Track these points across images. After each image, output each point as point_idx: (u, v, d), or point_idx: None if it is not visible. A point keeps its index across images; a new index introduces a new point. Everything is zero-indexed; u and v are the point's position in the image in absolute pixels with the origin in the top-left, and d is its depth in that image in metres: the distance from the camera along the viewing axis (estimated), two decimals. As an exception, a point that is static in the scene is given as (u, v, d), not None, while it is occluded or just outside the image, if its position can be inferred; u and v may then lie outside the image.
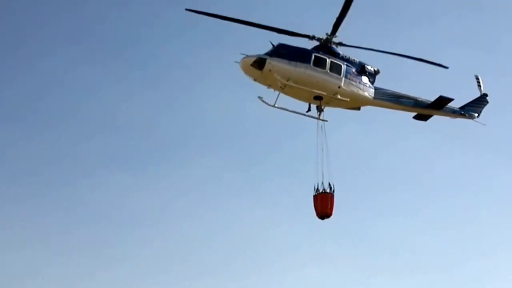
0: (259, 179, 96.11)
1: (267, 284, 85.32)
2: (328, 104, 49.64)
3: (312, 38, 49.25)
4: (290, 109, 48.88)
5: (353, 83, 49.44)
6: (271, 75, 47.36)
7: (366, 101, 50.50)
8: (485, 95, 54.53)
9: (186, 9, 47.17)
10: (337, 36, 49.37)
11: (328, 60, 48.62)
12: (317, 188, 47.65)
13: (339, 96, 48.73)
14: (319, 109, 49.65)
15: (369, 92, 50.26)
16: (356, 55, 50.71)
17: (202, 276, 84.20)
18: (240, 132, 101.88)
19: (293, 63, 47.68)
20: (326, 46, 49.58)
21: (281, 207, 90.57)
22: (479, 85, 54.97)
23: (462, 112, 53.55)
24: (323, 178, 47.79)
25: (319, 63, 48.36)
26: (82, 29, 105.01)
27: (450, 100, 51.89)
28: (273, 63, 47.25)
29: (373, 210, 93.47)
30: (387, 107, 51.69)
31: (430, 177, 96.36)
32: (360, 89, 49.76)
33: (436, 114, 53.07)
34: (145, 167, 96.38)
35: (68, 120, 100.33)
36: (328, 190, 47.57)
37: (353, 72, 49.65)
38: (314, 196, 47.56)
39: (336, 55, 49.50)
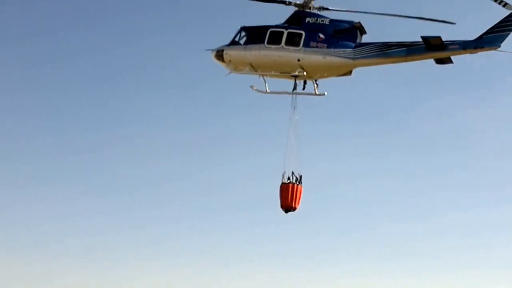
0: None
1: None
2: (311, 77, 44.79)
3: (288, 3, 44.92)
4: (282, 90, 45.73)
5: (318, 49, 43.40)
6: (232, 64, 45.41)
7: (343, 65, 43.57)
8: (515, 11, 40.92)
9: None
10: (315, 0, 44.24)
11: (284, 33, 43.89)
12: (288, 177, 43.70)
13: (296, 73, 43.71)
14: (295, 87, 45.12)
15: (345, 54, 43.32)
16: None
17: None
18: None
19: (248, 47, 44.78)
20: (299, 12, 44.68)
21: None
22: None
23: (478, 46, 41.52)
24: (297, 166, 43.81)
25: (274, 38, 44.08)
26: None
27: (435, 38, 41.20)
28: (229, 53, 45.28)
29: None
30: (376, 64, 43.57)
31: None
32: (329, 54, 43.32)
33: (446, 56, 42.55)
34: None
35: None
36: (295, 180, 43.41)
37: (319, 37, 43.50)
38: (280, 186, 43.49)
39: (301, 22, 44.16)
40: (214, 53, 45.76)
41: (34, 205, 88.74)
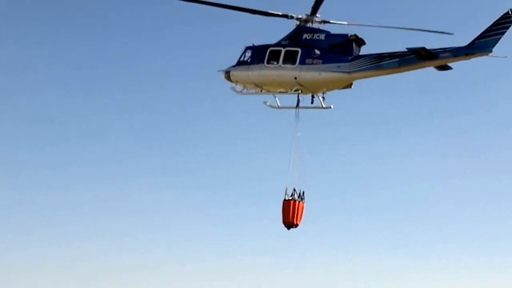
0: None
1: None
2: (313, 92, 45.07)
3: (290, 17, 45.20)
4: (292, 106, 45.97)
5: (313, 66, 43.45)
6: (240, 84, 46.55)
7: (339, 80, 43.35)
8: (508, 13, 39.00)
9: None
10: (318, 16, 44.28)
11: (282, 51, 44.33)
12: (291, 193, 43.89)
13: (293, 91, 44.09)
14: (298, 102, 45.37)
15: (340, 69, 43.12)
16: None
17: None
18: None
19: (251, 67, 45.55)
20: (298, 28, 45.00)
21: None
22: None
23: (469, 52, 39.98)
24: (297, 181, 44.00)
25: (273, 57, 44.57)
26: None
27: (420, 48, 40.19)
28: (235, 74, 46.26)
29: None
30: (372, 76, 42.99)
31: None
32: (324, 70, 43.23)
33: (438, 64, 41.51)
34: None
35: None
36: (297, 197, 43.67)
37: (315, 54, 43.50)
38: (282, 202, 43.37)
39: (299, 39, 44.43)
40: (223, 74, 46.80)
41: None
